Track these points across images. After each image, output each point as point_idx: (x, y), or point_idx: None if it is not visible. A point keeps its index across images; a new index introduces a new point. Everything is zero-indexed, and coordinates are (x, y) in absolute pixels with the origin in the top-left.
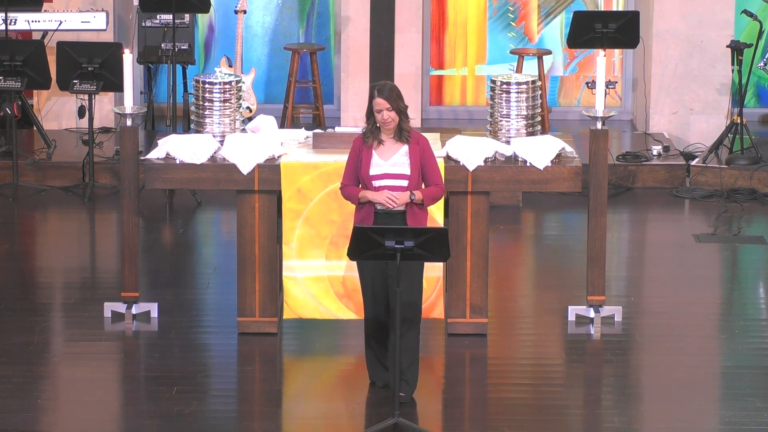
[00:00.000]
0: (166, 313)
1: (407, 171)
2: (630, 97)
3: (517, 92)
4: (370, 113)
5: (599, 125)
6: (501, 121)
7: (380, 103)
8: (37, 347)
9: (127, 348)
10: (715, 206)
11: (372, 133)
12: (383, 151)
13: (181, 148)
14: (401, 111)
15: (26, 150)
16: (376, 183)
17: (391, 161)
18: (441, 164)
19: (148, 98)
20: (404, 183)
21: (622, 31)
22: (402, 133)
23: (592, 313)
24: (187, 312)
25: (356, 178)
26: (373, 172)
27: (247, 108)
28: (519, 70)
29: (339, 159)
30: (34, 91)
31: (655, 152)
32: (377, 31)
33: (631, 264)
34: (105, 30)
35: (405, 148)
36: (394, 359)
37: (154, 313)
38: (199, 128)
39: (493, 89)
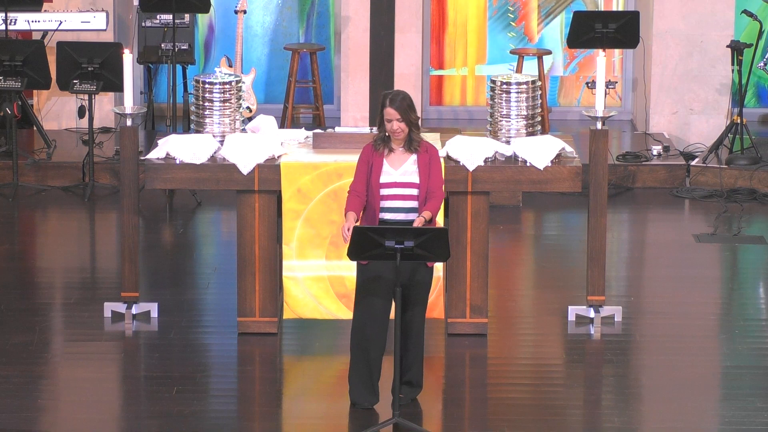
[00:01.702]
0: (166, 313)
1: (417, 180)
2: (630, 97)
3: (517, 92)
4: (381, 122)
5: (599, 125)
6: (501, 121)
7: (391, 113)
8: (37, 347)
9: (127, 348)
10: (715, 206)
11: (383, 141)
12: (393, 160)
13: (181, 148)
14: (412, 123)
15: (26, 150)
16: (385, 191)
17: (401, 170)
18: (441, 165)
19: (148, 98)
20: (414, 192)
21: (622, 31)
22: (412, 144)
23: (592, 313)
24: (187, 312)
25: (365, 184)
26: (383, 180)
27: (247, 108)
28: (519, 70)
29: (339, 159)
30: (34, 91)
31: (655, 152)
32: (377, 31)
33: (631, 264)
34: (105, 30)
35: (414, 156)
36: (395, 359)
37: (154, 313)
38: (199, 128)
39: (493, 89)
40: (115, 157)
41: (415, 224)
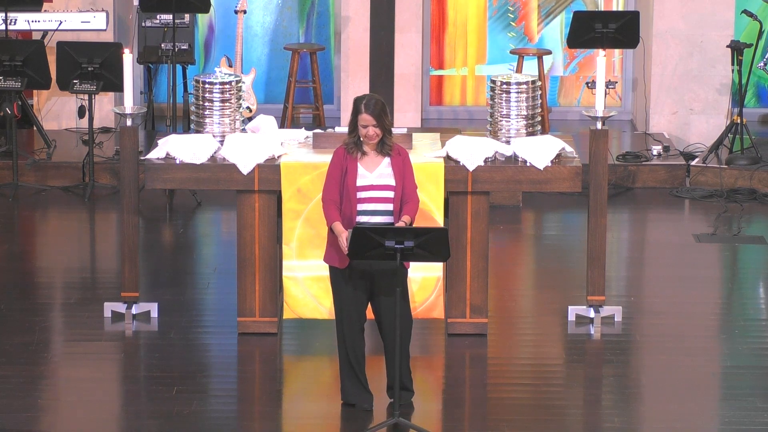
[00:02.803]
0: (166, 313)
1: (392, 182)
2: (630, 97)
3: (517, 92)
4: (354, 126)
5: (599, 125)
6: (501, 121)
7: (366, 119)
8: (37, 347)
9: (127, 348)
10: (715, 206)
11: (356, 145)
12: (367, 163)
13: (181, 148)
14: (386, 129)
15: (26, 150)
16: (362, 194)
17: (376, 173)
18: (440, 164)
19: (148, 98)
20: (390, 194)
21: (622, 31)
22: (384, 147)
23: (592, 313)
24: (187, 312)
25: (339, 189)
26: (360, 183)
27: (247, 108)
28: (519, 70)
29: None
30: (34, 91)
31: (655, 152)
32: (377, 31)
33: (631, 264)
34: (105, 30)
35: (387, 159)
36: (394, 359)
37: (154, 313)
38: (199, 128)
39: (493, 89)
40: (115, 157)
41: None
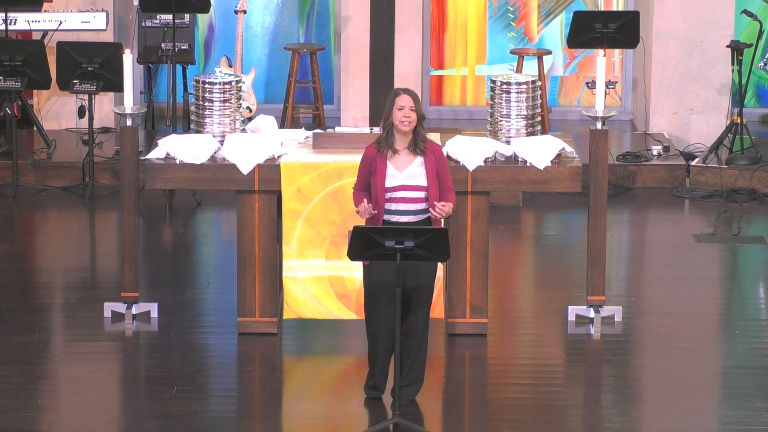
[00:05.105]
0: (166, 313)
1: (424, 182)
2: (630, 97)
3: (517, 92)
4: (388, 116)
5: (599, 125)
6: (501, 121)
7: (406, 99)
8: (37, 347)
9: (127, 348)
10: (715, 206)
11: (386, 140)
12: (398, 162)
13: (181, 148)
14: (421, 115)
15: (26, 150)
16: (391, 195)
17: (407, 172)
18: (446, 162)
19: (148, 98)
20: (421, 194)
21: (622, 31)
22: (417, 143)
23: (592, 313)
24: (187, 312)
25: (368, 185)
26: (389, 184)
27: (247, 108)
28: (519, 70)
29: (339, 159)
30: (34, 91)
31: (655, 152)
32: (377, 31)
33: (631, 264)
34: (105, 30)
35: (420, 159)
36: (395, 360)
37: (154, 313)
38: (199, 128)
39: (493, 89)
40: (115, 157)
41: (447, 207)
